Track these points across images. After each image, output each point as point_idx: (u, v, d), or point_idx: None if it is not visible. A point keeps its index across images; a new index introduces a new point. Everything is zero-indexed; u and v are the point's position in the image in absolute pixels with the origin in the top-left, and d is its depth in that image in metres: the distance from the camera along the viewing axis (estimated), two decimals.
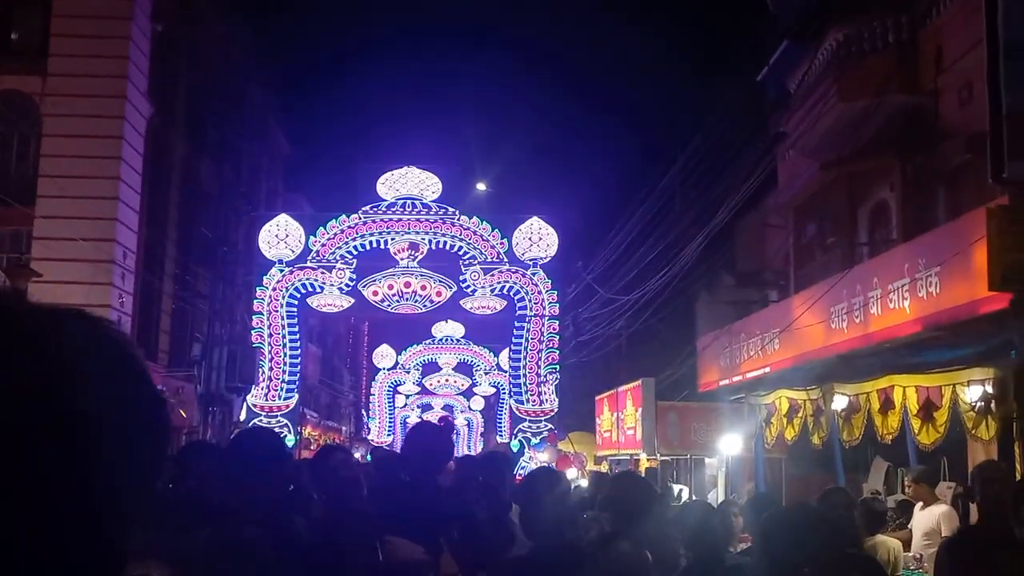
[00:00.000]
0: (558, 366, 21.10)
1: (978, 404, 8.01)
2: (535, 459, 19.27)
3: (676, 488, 12.63)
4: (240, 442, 3.39)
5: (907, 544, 8.64)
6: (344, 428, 41.15)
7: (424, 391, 40.61)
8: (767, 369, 12.27)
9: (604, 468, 19.63)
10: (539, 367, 20.85)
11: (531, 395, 20.77)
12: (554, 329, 21.09)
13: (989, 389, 7.86)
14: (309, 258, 20.79)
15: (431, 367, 38.55)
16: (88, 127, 18.50)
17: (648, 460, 16.43)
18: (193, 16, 22.61)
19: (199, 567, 2.69)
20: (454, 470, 5.14)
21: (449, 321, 33.51)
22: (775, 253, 20.55)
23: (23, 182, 18.91)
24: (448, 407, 45.94)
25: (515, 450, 19.62)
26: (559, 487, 4.31)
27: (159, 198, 21.53)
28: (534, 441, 20.27)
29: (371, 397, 40.14)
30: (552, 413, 20.67)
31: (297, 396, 21.21)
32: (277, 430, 19.15)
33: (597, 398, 21.66)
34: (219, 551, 2.77)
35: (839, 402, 10.31)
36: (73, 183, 18.41)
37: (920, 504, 8.41)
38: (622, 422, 18.38)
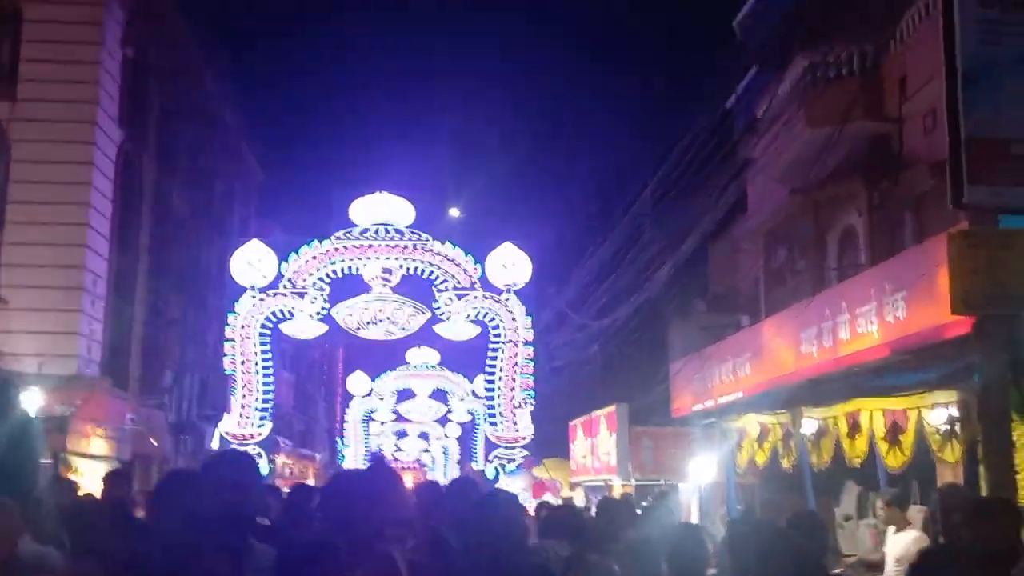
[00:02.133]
0: (533, 392, 21.12)
1: (943, 427, 8.11)
2: (510, 486, 19.24)
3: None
4: (218, 465, 3.34)
5: (879, 567, 8.72)
6: (318, 456, 40.86)
7: (399, 418, 40.44)
8: (739, 394, 12.31)
9: (578, 495, 19.63)
10: (514, 393, 20.87)
11: (506, 421, 20.77)
12: (528, 355, 21.13)
13: (954, 412, 7.96)
14: (282, 284, 20.76)
15: (406, 394, 38.43)
16: (58, 153, 18.43)
17: (622, 485, 16.44)
18: (165, 42, 22.62)
19: None
20: (416, 501, 5.11)
21: (423, 347, 33.48)
22: (746, 278, 20.70)
23: None
24: (423, 434, 45.76)
25: (490, 477, 19.61)
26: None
27: (130, 224, 21.43)
28: (509, 467, 20.26)
29: (346, 424, 39.94)
30: (527, 439, 20.67)
31: (271, 424, 21.10)
32: None
33: (571, 423, 21.69)
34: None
35: (808, 426, 10.37)
36: (42, 209, 18.32)
37: (893, 528, 8.48)
38: (596, 447, 18.40)
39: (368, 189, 21.50)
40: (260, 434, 20.51)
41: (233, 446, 19.33)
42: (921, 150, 13.27)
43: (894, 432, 8.91)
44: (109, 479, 7.34)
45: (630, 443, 16.32)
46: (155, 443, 20.64)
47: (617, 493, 15.99)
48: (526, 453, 20.60)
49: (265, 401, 20.75)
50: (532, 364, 21.26)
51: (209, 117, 26.76)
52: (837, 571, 9.13)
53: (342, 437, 40.70)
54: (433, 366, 36.02)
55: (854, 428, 9.62)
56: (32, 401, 15.77)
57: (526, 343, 21.04)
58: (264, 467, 20.08)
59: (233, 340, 20.76)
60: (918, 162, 13.32)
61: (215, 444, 21.40)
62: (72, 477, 13.69)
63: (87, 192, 18.84)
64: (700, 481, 14.65)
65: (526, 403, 20.88)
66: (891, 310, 8.26)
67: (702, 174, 17.50)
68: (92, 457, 16.91)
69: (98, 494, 7.66)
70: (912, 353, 8.10)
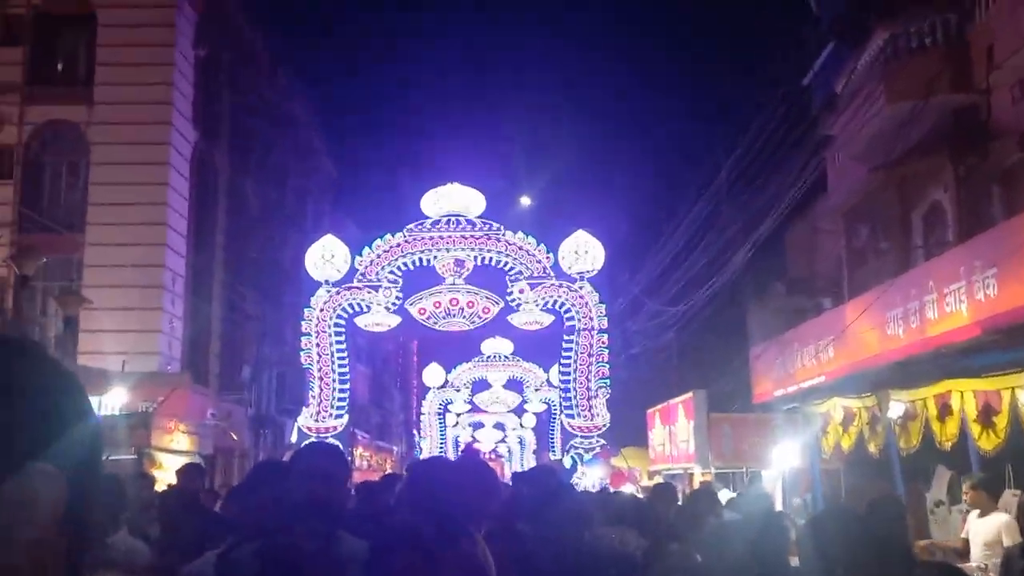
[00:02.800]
0: (609, 380, 21.01)
1: None
2: (588, 475, 19.19)
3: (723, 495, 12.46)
4: (307, 456, 3.31)
5: (962, 554, 8.46)
6: (395, 448, 41.34)
7: (475, 409, 40.67)
8: (822, 377, 12.11)
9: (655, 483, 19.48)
10: (590, 382, 20.79)
11: (582, 410, 20.71)
12: (603, 343, 21.02)
13: None
14: (356, 278, 20.98)
15: (481, 385, 38.59)
16: (134, 154, 18.88)
17: (702, 474, 16.27)
18: (235, 41, 23.00)
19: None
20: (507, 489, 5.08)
21: (498, 338, 33.58)
22: (827, 259, 20.31)
23: (73, 210, 19.33)
24: (499, 425, 45.95)
25: (568, 467, 19.57)
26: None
27: (206, 222, 21.87)
28: (587, 457, 20.19)
29: (422, 416, 40.30)
30: (604, 428, 20.58)
31: (348, 416, 21.35)
32: None
33: (648, 411, 21.53)
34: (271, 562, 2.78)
35: (895, 409, 10.14)
36: (121, 210, 18.79)
37: (977, 512, 8.22)
38: (675, 435, 18.24)
39: (439, 181, 21.63)
40: (337, 427, 20.77)
41: (312, 439, 19.63)
42: (1009, 121, 12.83)
43: (987, 414, 8.64)
44: (182, 472, 7.46)
45: (709, 430, 16.12)
46: (235, 437, 21.07)
47: (697, 481, 15.84)
48: (603, 442, 20.51)
49: (342, 394, 21.00)
50: (607, 352, 21.15)
51: (281, 114, 27.17)
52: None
53: (419, 429, 41.08)
54: (508, 356, 36.09)
55: (944, 410, 9.37)
56: (117, 399, 16.22)
57: (601, 331, 20.94)
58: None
59: (309, 334, 21.05)
60: (1006, 133, 12.87)
61: (294, 438, 21.75)
62: (156, 472, 14.04)
63: (164, 192, 19.27)
64: (783, 468, 14.43)
65: (602, 391, 20.79)
66: (981, 288, 8.01)
67: (779, 153, 17.20)
68: (175, 452, 17.33)
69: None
70: (1004, 332, 7.84)
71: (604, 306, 20.98)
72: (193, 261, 20.67)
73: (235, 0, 22.49)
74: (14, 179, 19.39)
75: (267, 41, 25.20)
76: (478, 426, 45.74)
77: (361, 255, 21.02)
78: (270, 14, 24.65)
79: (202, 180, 21.28)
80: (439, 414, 38.98)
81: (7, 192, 19.37)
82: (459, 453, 29.10)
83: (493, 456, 47.06)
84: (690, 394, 17.05)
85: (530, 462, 41.49)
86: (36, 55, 19.10)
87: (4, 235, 18.90)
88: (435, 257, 21.03)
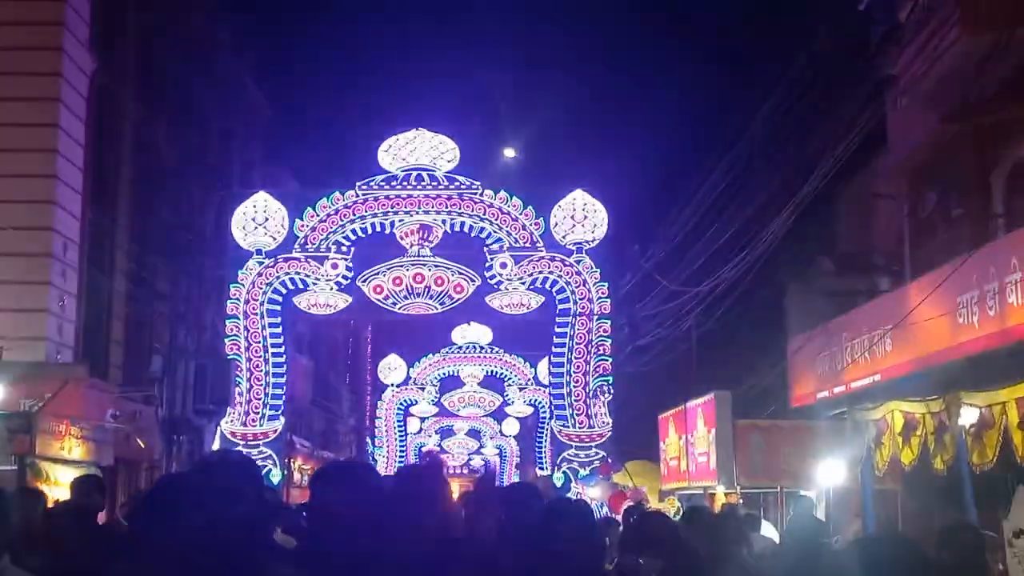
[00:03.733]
0: (611, 378, 21.10)
1: None
2: (584, 495, 19.30)
3: (763, 528, 12.58)
4: (207, 471, 3.40)
5: None
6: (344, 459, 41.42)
7: (444, 412, 40.77)
8: (876, 377, 12.21)
9: (671, 505, 19.62)
10: (587, 380, 20.89)
11: (578, 415, 20.82)
12: (605, 331, 21.11)
13: None
14: (294, 247, 20.95)
15: (452, 382, 38.68)
16: (17, 87, 18.72)
17: (726, 494, 16.40)
18: None
19: None
20: (468, 503, 5.14)
21: (473, 324, 33.66)
22: (885, 230, 20.41)
23: None
24: (474, 432, 46.09)
25: (559, 484, 19.68)
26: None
27: (107, 175, 21.74)
28: (582, 473, 20.32)
29: (377, 421, 40.38)
30: (604, 438, 20.69)
31: (283, 420, 21.40)
32: (259, 463, 19.33)
33: (660, 417, 21.67)
34: None
35: (968, 415, 10.23)
36: (1, 158, 18.65)
37: None
38: (692, 446, 18.36)
39: (401, 127, 21.58)
40: (270, 433, 20.82)
41: (238, 448, 19.64)
42: None
43: None
44: (75, 485, 7.73)
45: (734, 441, 16.25)
46: (143, 445, 21.04)
47: (719, 503, 15.96)
48: (603, 455, 20.62)
49: (276, 393, 21.03)
50: (610, 342, 21.23)
51: (202, 40, 26.99)
52: None
53: (373, 437, 41.18)
54: (485, 347, 36.17)
55: None
56: None
57: (602, 316, 21.02)
58: (276, 474, 20.38)
59: (236, 317, 21.06)
60: None
61: (216, 445, 21.75)
62: (44, 487, 14.00)
63: (54, 136, 19.13)
64: (826, 487, 14.55)
65: (602, 392, 20.88)
66: None
67: (828, 97, 17.21)
68: (66, 462, 17.28)
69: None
70: None
71: (607, 285, 21.04)
72: (90, 224, 20.57)
73: None
74: None
75: None
76: (447, 433, 45.87)
77: (302, 218, 21.00)
78: None
79: (101, 122, 21.15)
80: (399, 418, 39.05)
81: None
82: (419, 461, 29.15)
83: (466, 471, 47.23)
84: (712, 396, 17.15)
85: (513, 479, 41.67)
86: None
87: None
88: (395, 222, 21.04)
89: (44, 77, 19.07)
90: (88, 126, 20.40)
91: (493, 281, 21.04)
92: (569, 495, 19.02)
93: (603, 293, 20.97)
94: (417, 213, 21.00)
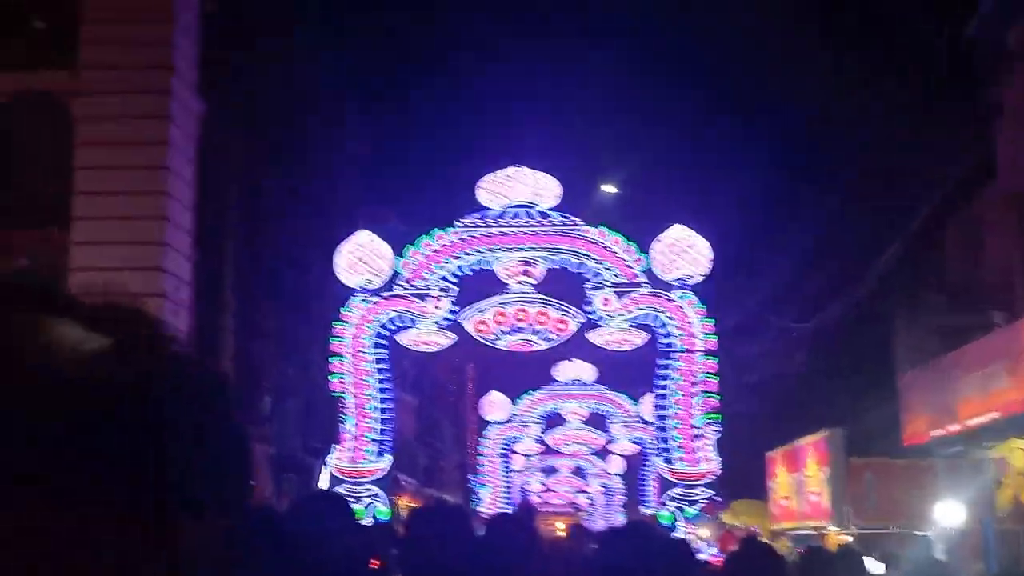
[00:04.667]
0: (718, 415, 20.74)
1: None
2: (691, 535, 18.96)
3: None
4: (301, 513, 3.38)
5: None
6: (449, 498, 41.41)
7: (548, 450, 40.58)
8: (995, 414, 11.81)
9: (783, 547, 19.17)
10: (692, 417, 20.56)
11: (683, 452, 20.48)
12: (710, 368, 20.77)
13: None
14: (398, 284, 21.01)
15: (555, 419, 38.46)
16: (127, 131, 19.11)
17: (839, 535, 15.99)
18: None
19: None
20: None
21: (575, 360, 33.44)
22: (999, 261, 19.83)
23: (55, 202, 19.65)
24: (579, 470, 45.77)
25: (665, 523, 19.37)
26: None
27: (215, 215, 22.09)
28: (689, 512, 19.96)
29: (480, 458, 40.32)
30: (711, 476, 20.32)
31: (390, 458, 21.37)
32: (366, 500, 19.37)
33: (768, 455, 21.27)
34: None
35: None
36: (113, 201, 19.03)
37: None
38: (803, 485, 17.97)
39: (501, 164, 21.60)
40: (378, 471, 20.80)
41: (346, 485, 19.68)
42: None
43: None
44: None
45: (848, 480, 15.85)
46: (253, 483, 21.22)
47: (833, 544, 15.54)
48: (711, 493, 20.25)
49: (383, 430, 21.03)
50: (716, 380, 20.89)
51: (306, 82, 27.39)
52: None
53: (476, 474, 41.11)
54: (588, 384, 35.94)
55: None
56: None
57: (706, 353, 20.69)
58: (384, 511, 20.37)
59: (341, 355, 21.13)
60: None
61: (324, 483, 21.85)
62: None
63: (164, 178, 19.49)
64: (945, 527, 14.09)
65: (710, 429, 20.53)
66: None
67: (934, 124, 16.83)
68: None
69: None
70: None
71: (712, 322, 20.71)
72: (200, 264, 20.89)
73: None
74: None
75: None
76: (550, 471, 45.63)
77: (405, 256, 21.06)
78: None
79: (209, 164, 21.51)
80: (502, 456, 38.94)
81: None
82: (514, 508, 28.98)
83: (571, 509, 46.88)
84: (823, 434, 16.81)
85: (618, 518, 41.20)
86: (4, 9, 19.47)
87: None
88: (497, 259, 21.00)
89: (153, 120, 19.46)
90: (196, 167, 20.77)
91: (595, 317, 20.88)
92: (677, 534, 18.73)
93: (708, 329, 20.66)
94: (518, 250, 20.95)
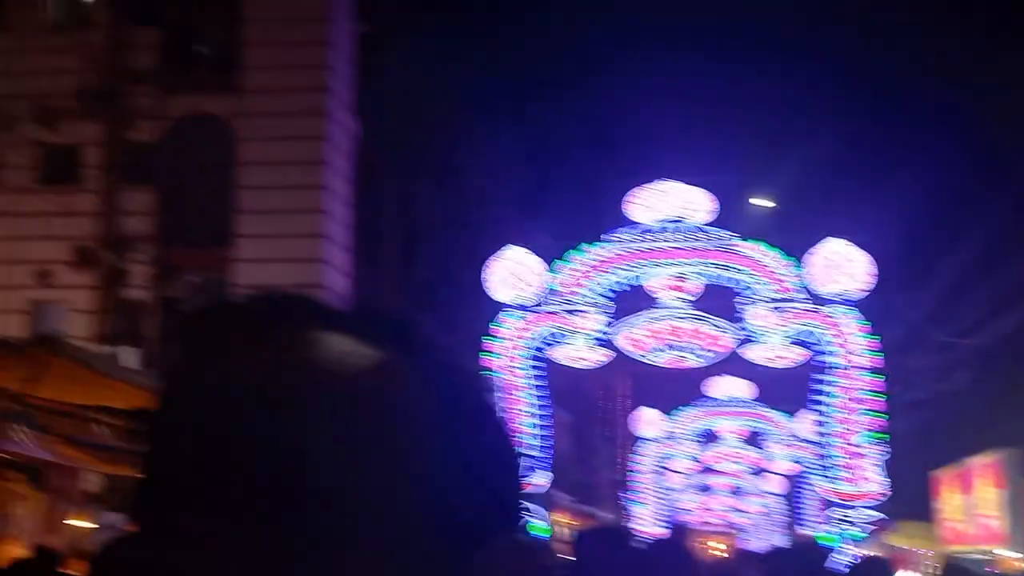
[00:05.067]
0: (888, 435, 20.06)
1: None
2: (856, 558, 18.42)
3: None
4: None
5: None
6: (602, 515, 41.14)
7: (704, 468, 40.04)
8: None
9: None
10: (851, 435, 19.97)
11: (844, 472, 19.90)
12: (870, 385, 20.13)
13: None
14: (551, 300, 20.93)
15: (707, 437, 37.92)
16: (286, 152, 19.49)
17: (1016, 561, 15.33)
18: (403, 15, 23.54)
19: None
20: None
21: (728, 377, 32.91)
22: None
23: (218, 220, 20.16)
24: (736, 490, 45.00)
25: (827, 545, 18.86)
26: None
27: (371, 233, 22.38)
28: (852, 533, 19.38)
29: (634, 475, 39.96)
30: (878, 497, 19.66)
31: (549, 475, 21.25)
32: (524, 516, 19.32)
33: (933, 474, 20.58)
34: None
35: None
36: (274, 219, 19.44)
37: None
38: (974, 507, 17.30)
39: (652, 177, 21.37)
40: (537, 487, 20.71)
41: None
42: None
43: None
44: None
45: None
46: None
47: (1007, 571, 14.90)
48: (876, 515, 19.60)
49: (541, 447, 20.91)
50: (879, 398, 20.23)
51: (457, 102, 27.61)
52: None
53: (627, 491, 40.75)
54: (744, 400, 35.34)
55: None
56: None
57: (865, 369, 20.05)
58: (542, 528, 20.27)
59: (493, 371, 21.12)
60: None
61: None
62: None
63: (321, 197, 19.83)
64: None
65: (874, 449, 19.88)
66: None
67: None
68: None
69: None
70: None
71: (878, 339, 20.05)
72: (357, 280, 21.17)
73: None
74: (154, 184, 20.20)
75: (439, 14, 25.71)
76: (705, 489, 44.98)
77: (557, 272, 20.97)
78: None
79: (365, 182, 21.81)
80: (657, 473, 38.53)
81: (145, 200, 20.07)
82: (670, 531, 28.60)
83: (730, 529, 46.10)
84: (996, 454, 16.15)
85: (777, 539, 40.35)
86: (174, 36, 20.05)
87: (145, 251, 19.76)
88: (648, 274, 20.75)
89: (311, 140, 19.83)
90: (353, 186, 21.10)
91: (750, 333, 20.47)
92: (837, 557, 18.19)
93: (870, 346, 20.03)
94: (671, 265, 20.68)
